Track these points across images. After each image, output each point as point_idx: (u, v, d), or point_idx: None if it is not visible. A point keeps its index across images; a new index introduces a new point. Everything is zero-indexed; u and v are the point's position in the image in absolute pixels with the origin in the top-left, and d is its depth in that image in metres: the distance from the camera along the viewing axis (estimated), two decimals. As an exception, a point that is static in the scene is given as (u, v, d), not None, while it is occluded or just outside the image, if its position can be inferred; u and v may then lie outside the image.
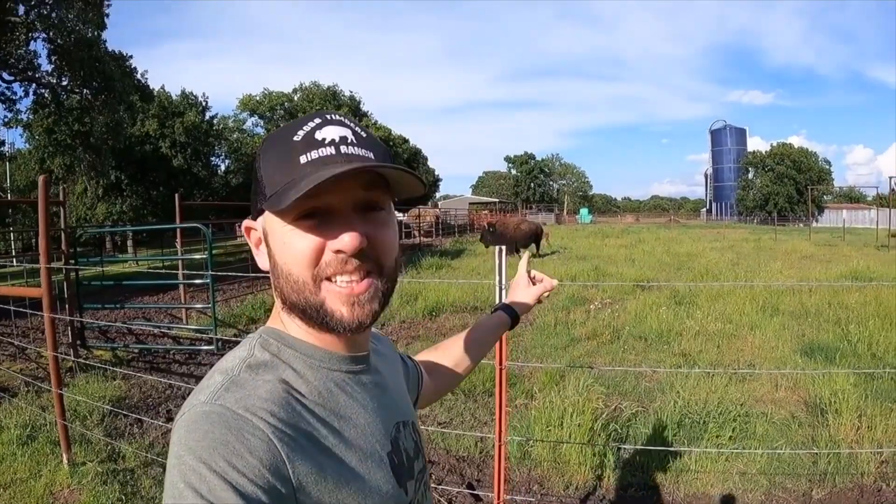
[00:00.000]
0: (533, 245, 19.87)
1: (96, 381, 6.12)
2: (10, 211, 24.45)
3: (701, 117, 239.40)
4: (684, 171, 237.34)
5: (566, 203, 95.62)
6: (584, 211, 74.52)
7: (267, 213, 0.81)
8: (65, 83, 18.35)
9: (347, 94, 39.36)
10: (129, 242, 30.92)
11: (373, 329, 0.95)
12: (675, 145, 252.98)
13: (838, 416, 4.49)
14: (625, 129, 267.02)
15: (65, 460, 4.37)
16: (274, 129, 0.79)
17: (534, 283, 1.56)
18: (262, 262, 0.86)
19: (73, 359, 6.67)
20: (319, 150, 0.77)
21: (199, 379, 6.28)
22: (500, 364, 3.01)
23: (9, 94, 18.92)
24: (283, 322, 0.86)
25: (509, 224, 19.34)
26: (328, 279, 0.79)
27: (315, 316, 0.80)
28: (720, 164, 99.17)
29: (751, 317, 8.35)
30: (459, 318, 9.51)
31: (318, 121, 0.80)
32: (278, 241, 0.80)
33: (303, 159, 0.77)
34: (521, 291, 1.53)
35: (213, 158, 35.98)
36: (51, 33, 16.59)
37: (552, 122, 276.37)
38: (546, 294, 1.56)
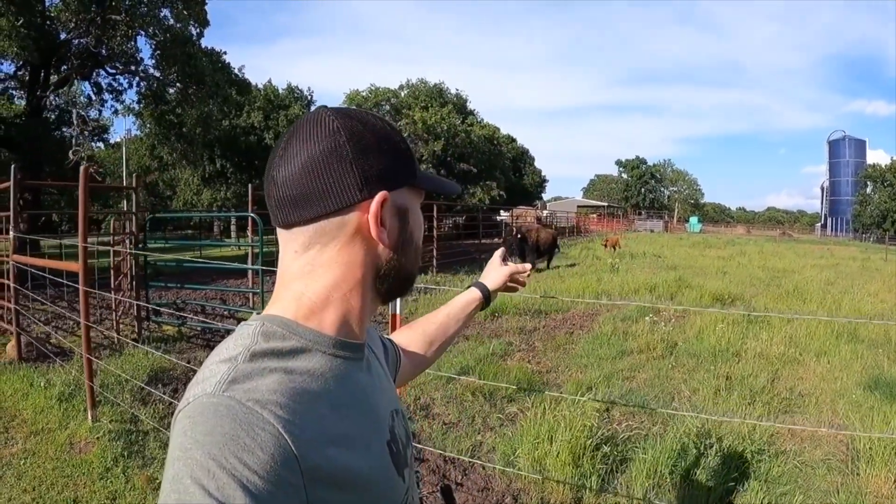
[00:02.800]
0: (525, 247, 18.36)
1: (144, 353, 6.40)
2: (114, 195, 26.03)
3: (820, 128, 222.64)
4: (802, 183, 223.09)
5: (677, 210, 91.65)
6: (693, 219, 70.79)
7: (406, 189, 0.83)
8: (161, 77, 19.53)
9: (454, 91, 39.05)
10: (233, 228, 32.48)
11: None
12: (792, 156, 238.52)
13: (870, 465, 3.89)
14: (740, 137, 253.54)
15: (89, 417, 4.79)
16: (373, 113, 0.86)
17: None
18: (385, 237, 0.81)
19: (133, 332, 7.08)
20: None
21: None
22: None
23: (115, 85, 20.55)
24: (288, 308, 0.80)
25: (531, 231, 17.99)
26: None
27: (410, 281, 0.87)
28: (837, 177, 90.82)
29: (822, 342, 7.54)
30: (518, 321, 9.20)
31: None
32: (417, 216, 0.86)
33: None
34: (493, 269, 1.52)
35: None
36: (151, 30, 17.66)
37: (666, 128, 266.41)
38: (523, 275, 1.54)
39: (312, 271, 0.80)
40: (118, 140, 32.90)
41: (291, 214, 0.78)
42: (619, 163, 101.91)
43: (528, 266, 1.53)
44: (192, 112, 19.94)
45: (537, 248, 17.23)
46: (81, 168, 4.91)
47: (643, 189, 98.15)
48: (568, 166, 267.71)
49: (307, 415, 0.69)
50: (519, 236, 17.11)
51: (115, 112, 20.97)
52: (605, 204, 74.66)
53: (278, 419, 0.65)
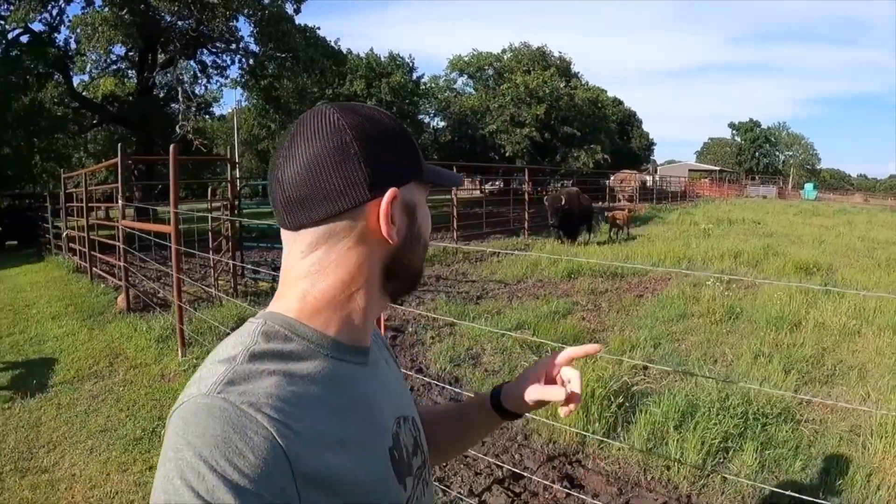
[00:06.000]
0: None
1: (235, 306, 7.20)
2: (218, 166, 27.25)
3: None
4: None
5: (792, 176, 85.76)
6: (808, 186, 65.65)
7: (413, 184, 0.81)
8: (259, 53, 20.55)
9: (557, 54, 37.99)
10: None
11: None
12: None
13: (877, 439, 3.85)
14: (864, 98, 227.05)
15: (179, 354, 5.70)
16: (377, 108, 0.83)
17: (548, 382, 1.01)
18: (395, 234, 0.78)
19: (231, 288, 8.15)
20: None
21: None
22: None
23: (219, 62, 21.96)
24: (291, 306, 0.78)
25: (569, 196, 15.35)
26: None
27: (417, 277, 0.86)
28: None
29: (891, 316, 7.09)
30: (591, 283, 9.38)
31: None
32: (424, 211, 0.84)
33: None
34: (522, 383, 1.02)
35: (421, 116, 36.89)
36: (246, 11, 18.47)
37: (782, 89, 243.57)
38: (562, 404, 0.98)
39: (320, 271, 0.77)
40: (226, 112, 35.29)
41: (300, 216, 0.75)
42: (731, 125, 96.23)
43: (562, 395, 0.95)
44: (287, 84, 20.93)
45: (571, 216, 15.51)
46: (171, 146, 5.60)
47: (757, 153, 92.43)
48: (681, 129, 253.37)
49: (303, 419, 0.67)
50: (566, 206, 15.08)
51: (222, 86, 22.33)
52: (718, 168, 70.99)
53: (272, 422, 0.64)
